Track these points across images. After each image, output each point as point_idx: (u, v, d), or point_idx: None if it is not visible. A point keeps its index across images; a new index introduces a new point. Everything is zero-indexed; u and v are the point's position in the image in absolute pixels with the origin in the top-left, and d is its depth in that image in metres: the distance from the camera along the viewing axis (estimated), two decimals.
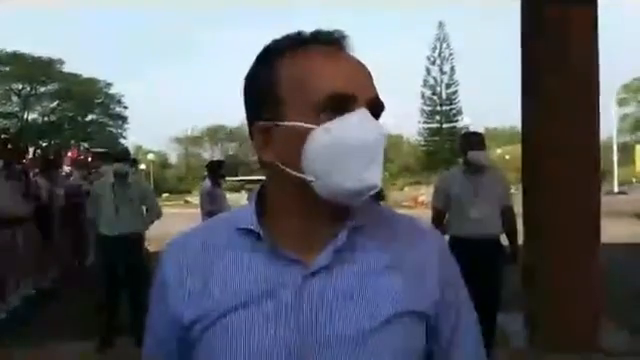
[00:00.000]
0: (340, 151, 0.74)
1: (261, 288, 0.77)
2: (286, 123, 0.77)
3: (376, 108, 0.78)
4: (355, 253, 0.80)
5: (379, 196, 3.38)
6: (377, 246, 0.82)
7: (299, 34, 0.81)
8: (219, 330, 0.77)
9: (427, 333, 0.82)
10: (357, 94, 0.75)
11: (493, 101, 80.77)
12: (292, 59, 0.78)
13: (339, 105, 0.74)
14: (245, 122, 0.85)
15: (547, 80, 4.19)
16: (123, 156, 4.98)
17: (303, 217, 0.80)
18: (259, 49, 0.82)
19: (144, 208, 5.07)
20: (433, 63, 49.63)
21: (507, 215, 4.00)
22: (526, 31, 4.41)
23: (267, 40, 0.83)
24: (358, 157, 0.74)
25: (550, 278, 4.15)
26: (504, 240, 4.07)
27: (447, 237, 4.02)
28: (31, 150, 9.23)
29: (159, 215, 5.14)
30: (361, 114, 0.75)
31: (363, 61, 0.81)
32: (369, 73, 0.80)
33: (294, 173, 0.77)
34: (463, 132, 4.15)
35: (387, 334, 0.77)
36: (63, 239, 8.24)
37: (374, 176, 0.75)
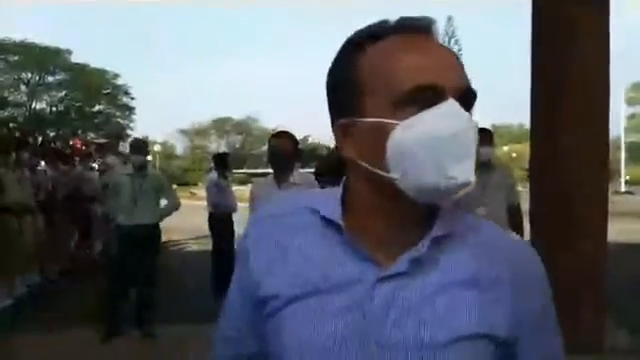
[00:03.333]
0: (426, 147, 0.69)
1: (333, 280, 0.76)
2: (367, 119, 0.73)
3: (466, 98, 0.72)
4: (435, 265, 0.76)
5: None
6: (459, 260, 0.77)
7: (382, 23, 0.77)
8: (287, 314, 0.77)
9: (502, 357, 0.77)
10: (443, 85, 0.70)
11: (502, 98, 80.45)
12: (373, 51, 0.75)
13: (424, 98, 0.70)
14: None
15: (556, 78, 4.17)
16: (141, 148, 5.04)
17: (384, 220, 0.77)
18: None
19: (160, 199, 5.13)
20: None
21: (513, 212, 4.00)
22: (537, 28, 4.37)
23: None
24: (447, 152, 0.69)
25: (556, 277, 4.13)
26: None
27: None
28: (39, 140, 9.27)
29: (177, 206, 5.20)
30: (448, 106, 0.69)
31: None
32: (458, 62, 0.75)
33: (377, 171, 0.73)
34: None
35: (451, 354, 0.73)
36: (69, 228, 8.30)
37: (466, 172, 0.69)
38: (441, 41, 0.77)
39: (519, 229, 4.09)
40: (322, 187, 2.86)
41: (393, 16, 0.77)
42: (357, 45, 0.77)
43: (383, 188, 0.74)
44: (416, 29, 0.75)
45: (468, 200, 3.14)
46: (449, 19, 49.10)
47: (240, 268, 0.87)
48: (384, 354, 0.73)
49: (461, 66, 0.75)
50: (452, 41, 49.08)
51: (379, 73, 0.73)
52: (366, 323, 0.74)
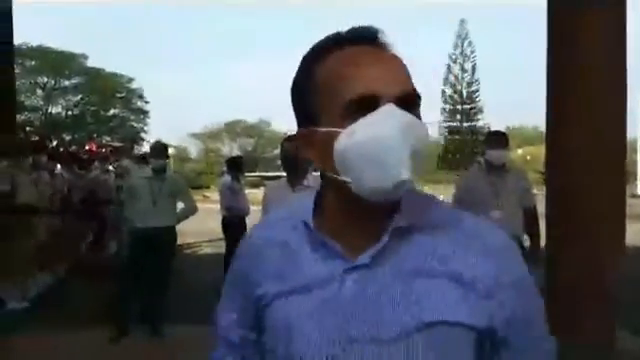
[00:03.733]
0: (364, 151, 0.75)
1: (311, 278, 0.83)
2: (320, 129, 0.81)
3: (408, 101, 0.78)
4: (398, 254, 0.81)
5: None
6: (424, 249, 0.81)
7: (336, 35, 0.84)
8: (274, 309, 0.86)
9: (486, 346, 0.82)
10: (381, 93, 0.76)
11: (516, 100, 79.74)
12: (326, 63, 0.82)
13: (363, 107, 0.76)
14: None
15: (573, 81, 4.12)
16: (161, 152, 5.09)
17: (348, 216, 0.84)
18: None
19: (178, 203, 5.17)
20: (454, 61, 49.20)
21: (529, 216, 3.96)
22: (552, 29, 4.33)
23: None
24: (383, 155, 0.74)
25: (572, 281, 4.09)
26: (526, 242, 4.02)
27: None
28: (55, 143, 9.38)
29: (194, 210, 5.23)
30: (383, 112, 0.75)
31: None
32: (399, 67, 0.80)
33: (332, 175, 0.81)
34: (487, 131, 4.10)
35: (417, 341, 0.77)
36: (83, 231, 8.38)
37: (402, 172, 0.75)
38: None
39: (535, 232, 4.04)
40: None
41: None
42: (314, 56, 0.84)
43: (343, 190, 0.80)
44: (364, 40, 0.81)
45: (482, 203, 3.13)
46: (462, 22, 48.87)
47: (239, 264, 0.95)
48: (353, 346, 0.78)
49: (401, 71, 0.80)
50: (465, 43, 48.81)
51: (329, 85, 0.80)
52: (338, 316, 0.80)
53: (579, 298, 3.99)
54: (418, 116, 0.79)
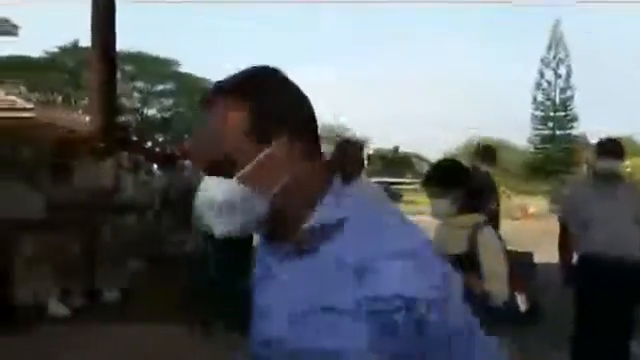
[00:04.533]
0: None
1: (262, 270, 1.03)
2: None
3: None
4: (316, 248, 0.90)
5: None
6: (340, 241, 0.89)
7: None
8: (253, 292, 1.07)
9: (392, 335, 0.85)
10: (201, 163, 0.96)
11: (614, 107, 74.21)
12: None
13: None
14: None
15: None
16: None
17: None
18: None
19: None
20: (547, 65, 46.73)
21: None
22: None
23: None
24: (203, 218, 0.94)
25: None
26: None
27: (576, 256, 3.69)
28: (150, 144, 9.87)
29: None
30: (202, 184, 0.93)
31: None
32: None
33: None
34: (599, 139, 3.73)
35: (307, 326, 0.88)
36: (175, 227, 8.73)
37: (215, 229, 0.93)
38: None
39: None
40: (431, 196, 2.69)
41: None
42: None
43: None
44: (210, 97, 0.95)
45: (591, 217, 2.80)
46: (556, 22, 46.26)
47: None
48: (281, 328, 0.93)
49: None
50: (560, 46, 46.23)
51: None
52: (275, 304, 0.95)
53: None
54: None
